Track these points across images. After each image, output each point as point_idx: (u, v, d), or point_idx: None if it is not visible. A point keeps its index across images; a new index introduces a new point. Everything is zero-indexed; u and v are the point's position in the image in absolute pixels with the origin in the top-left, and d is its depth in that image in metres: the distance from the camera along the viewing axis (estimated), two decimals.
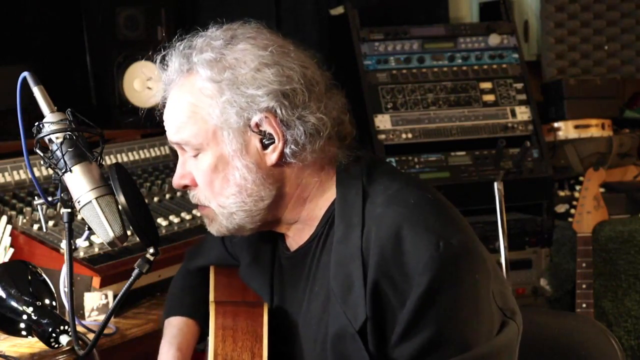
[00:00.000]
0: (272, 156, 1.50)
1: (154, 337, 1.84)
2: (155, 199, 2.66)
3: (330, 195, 1.56)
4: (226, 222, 1.55)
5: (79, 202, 1.52)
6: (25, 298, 1.86)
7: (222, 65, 1.48)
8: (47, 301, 1.88)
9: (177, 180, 1.58)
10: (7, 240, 2.26)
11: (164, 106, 1.57)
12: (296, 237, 1.61)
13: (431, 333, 1.40)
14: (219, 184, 1.52)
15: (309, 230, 1.58)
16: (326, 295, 1.51)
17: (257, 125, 1.49)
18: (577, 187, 3.41)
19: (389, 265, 1.41)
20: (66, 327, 1.80)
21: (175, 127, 1.53)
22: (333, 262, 1.49)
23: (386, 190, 1.50)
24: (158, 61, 1.57)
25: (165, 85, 1.56)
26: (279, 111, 1.47)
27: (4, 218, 2.30)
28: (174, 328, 1.77)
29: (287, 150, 1.50)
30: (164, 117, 1.57)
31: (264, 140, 1.50)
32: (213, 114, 1.49)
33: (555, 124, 3.73)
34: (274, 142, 1.49)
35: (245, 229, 1.57)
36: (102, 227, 1.51)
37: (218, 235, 1.61)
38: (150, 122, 1.66)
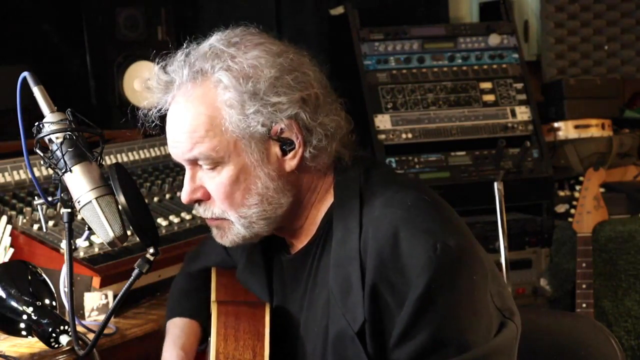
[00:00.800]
0: (292, 162, 1.49)
1: (154, 337, 1.84)
2: (155, 199, 2.66)
3: (329, 198, 1.56)
4: (244, 231, 1.53)
5: (79, 202, 1.52)
6: (25, 298, 1.85)
7: (241, 74, 1.45)
8: (47, 301, 1.88)
9: (189, 195, 1.53)
10: (7, 240, 2.25)
11: (159, 115, 1.53)
12: (296, 240, 1.61)
13: (429, 334, 1.39)
14: (240, 195, 1.50)
15: (308, 233, 1.58)
16: (327, 297, 1.50)
17: (279, 132, 1.47)
18: (577, 187, 3.41)
19: (387, 268, 1.41)
20: (66, 327, 1.79)
21: (191, 143, 1.48)
22: (332, 264, 1.49)
23: (383, 192, 1.50)
24: (157, 68, 1.53)
25: (164, 95, 1.52)
26: (302, 116, 1.47)
27: (4, 218, 2.29)
28: (177, 329, 1.76)
29: (307, 155, 1.49)
30: (173, 133, 1.51)
31: (283, 147, 1.48)
32: (234, 124, 1.45)
33: (555, 124, 3.73)
34: (294, 148, 1.49)
35: (259, 236, 1.56)
36: (102, 227, 1.51)
37: (231, 245, 1.58)
38: (143, 125, 1.57)
